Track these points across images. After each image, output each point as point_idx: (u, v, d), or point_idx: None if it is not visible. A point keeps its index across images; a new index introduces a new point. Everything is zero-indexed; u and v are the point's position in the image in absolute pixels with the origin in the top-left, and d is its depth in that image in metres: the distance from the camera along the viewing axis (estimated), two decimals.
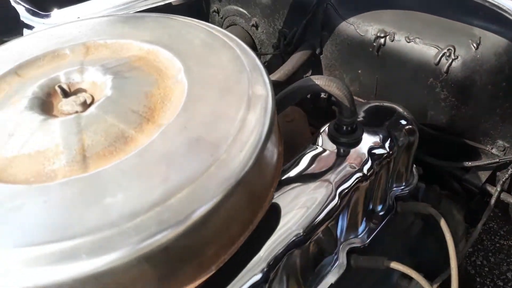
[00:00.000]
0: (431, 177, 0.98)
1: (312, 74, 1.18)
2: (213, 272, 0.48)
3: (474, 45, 0.90)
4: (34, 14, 1.01)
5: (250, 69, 0.58)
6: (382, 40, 1.00)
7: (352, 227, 0.81)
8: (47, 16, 1.02)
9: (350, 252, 0.77)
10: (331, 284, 0.72)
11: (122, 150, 0.49)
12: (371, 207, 0.85)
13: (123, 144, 0.50)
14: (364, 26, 1.03)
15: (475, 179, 1.02)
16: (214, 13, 1.38)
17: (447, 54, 0.92)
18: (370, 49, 1.02)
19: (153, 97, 0.55)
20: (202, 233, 0.45)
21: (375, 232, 0.86)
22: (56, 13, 1.02)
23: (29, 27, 1.01)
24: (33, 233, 0.42)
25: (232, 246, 0.50)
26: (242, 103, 0.53)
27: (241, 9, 1.27)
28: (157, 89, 0.57)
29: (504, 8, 0.77)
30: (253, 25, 1.26)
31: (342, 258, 0.75)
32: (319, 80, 0.70)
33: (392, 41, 0.99)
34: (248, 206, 0.50)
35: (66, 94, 0.56)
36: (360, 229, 0.85)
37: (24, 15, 1.01)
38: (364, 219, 0.85)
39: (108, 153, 0.49)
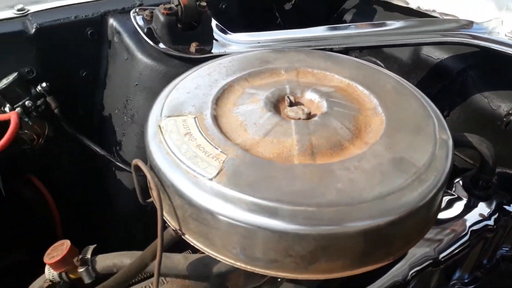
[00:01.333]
0: None
1: None
2: (390, 262, 0.63)
3: None
4: (221, 30, 1.24)
5: (435, 116, 0.73)
6: None
7: (463, 271, 0.92)
8: (229, 34, 1.24)
9: None
10: None
11: (339, 154, 0.66)
12: (481, 258, 0.96)
13: (339, 150, 0.67)
14: (498, 102, 1.16)
15: None
16: None
17: None
18: (499, 123, 1.15)
19: (358, 120, 0.72)
20: (400, 228, 0.59)
21: (479, 282, 0.96)
22: (237, 35, 1.24)
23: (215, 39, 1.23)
24: (286, 195, 0.58)
25: (406, 247, 0.64)
26: (431, 142, 0.68)
27: (379, 62, 1.44)
28: (360, 115, 0.73)
29: None
30: None
31: None
32: (472, 138, 0.84)
33: None
34: (427, 218, 0.65)
35: (291, 104, 0.75)
36: (467, 275, 0.96)
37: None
38: (473, 267, 0.96)
39: (329, 154, 0.66)
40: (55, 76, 1.16)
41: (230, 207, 0.58)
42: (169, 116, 0.72)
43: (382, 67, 1.44)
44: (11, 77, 1.10)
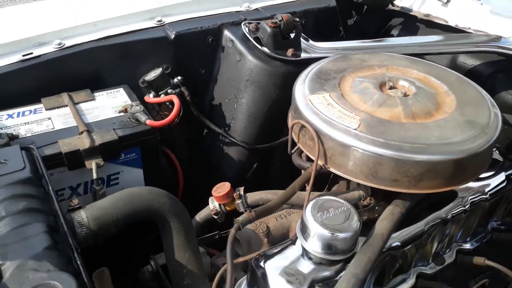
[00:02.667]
0: None
1: None
2: (463, 185, 0.98)
3: None
4: (305, 39, 1.61)
5: (487, 98, 1.10)
6: None
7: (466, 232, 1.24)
8: (311, 42, 1.60)
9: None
10: None
11: (430, 118, 1.02)
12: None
13: (429, 115, 1.03)
14: None
15: None
16: None
17: None
18: None
19: (437, 99, 1.09)
20: (473, 161, 0.95)
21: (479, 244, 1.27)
22: (317, 43, 1.60)
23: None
24: (405, 138, 0.94)
25: (474, 176, 1.00)
26: (488, 112, 1.04)
27: None
28: (438, 96, 1.10)
29: None
30: None
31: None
32: (507, 116, 1.20)
33: None
34: (487, 158, 1.01)
35: (390, 87, 1.12)
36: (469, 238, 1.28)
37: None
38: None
39: (424, 117, 1.02)
40: (183, 72, 1.53)
41: (370, 145, 0.94)
42: (313, 94, 1.09)
43: None
44: (158, 71, 1.47)
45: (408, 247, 1.02)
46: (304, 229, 0.89)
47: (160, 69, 1.47)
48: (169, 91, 1.47)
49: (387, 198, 1.04)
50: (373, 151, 0.94)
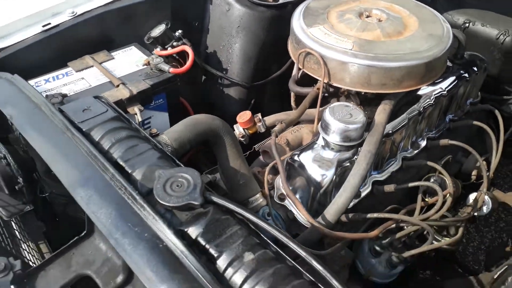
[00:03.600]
0: None
1: None
2: (431, 82, 1.33)
3: None
4: None
5: (440, 17, 1.43)
6: (467, 25, 1.87)
7: (431, 124, 1.63)
8: None
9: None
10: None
11: (402, 35, 1.34)
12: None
13: (401, 34, 1.35)
14: (456, 16, 1.90)
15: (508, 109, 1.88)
16: None
17: (503, 33, 1.79)
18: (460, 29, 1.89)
19: (403, 21, 1.41)
20: (437, 63, 1.29)
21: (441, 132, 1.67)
22: None
23: None
24: (388, 51, 1.26)
25: (438, 75, 1.34)
26: (443, 27, 1.38)
27: None
28: (403, 19, 1.42)
29: None
30: None
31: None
32: (456, 32, 1.55)
33: (474, 25, 1.86)
34: (445, 60, 1.35)
35: (367, 16, 1.42)
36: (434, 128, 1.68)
37: None
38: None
39: (397, 35, 1.34)
40: (180, 26, 1.74)
41: (363, 60, 1.25)
42: (310, 27, 1.37)
43: None
44: (162, 27, 1.66)
45: (397, 132, 1.35)
46: (326, 127, 1.20)
47: (163, 25, 1.67)
48: (174, 43, 1.68)
49: (373, 102, 1.37)
50: (366, 64, 1.25)
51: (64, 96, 1.34)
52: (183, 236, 0.82)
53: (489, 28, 1.83)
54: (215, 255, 0.79)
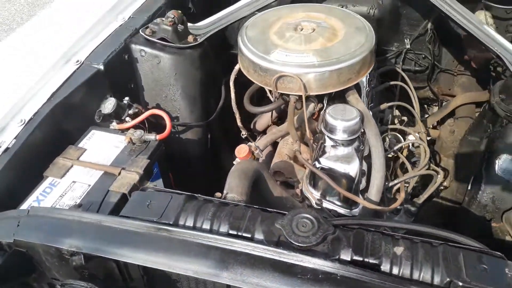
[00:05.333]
0: None
1: None
2: (363, 77, 1.63)
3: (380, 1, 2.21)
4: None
5: (347, 11, 1.73)
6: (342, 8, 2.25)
7: None
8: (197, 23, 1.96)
9: None
10: None
11: (333, 41, 1.60)
12: None
13: (336, 36, 1.61)
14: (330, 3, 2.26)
15: None
16: None
17: (371, 7, 2.21)
18: None
19: (329, 24, 1.67)
20: (366, 60, 1.59)
21: None
22: (202, 22, 1.97)
23: None
24: (327, 56, 1.51)
25: (369, 69, 1.65)
26: (359, 19, 1.69)
27: None
28: (327, 22, 1.68)
29: None
30: None
31: None
32: None
33: (347, 8, 2.25)
34: (373, 57, 1.65)
35: (301, 29, 1.64)
36: None
37: None
38: None
39: (330, 40, 1.60)
40: (121, 94, 1.71)
41: (332, 65, 1.47)
42: (269, 54, 1.53)
43: None
44: (112, 101, 1.62)
45: None
46: (332, 129, 1.39)
47: (111, 98, 1.63)
48: (130, 111, 1.65)
49: (337, 97, 1.62)
50: (335, 68, 1.48)
51: (79, 206, 1.25)
52: (341, 261, 0.95)
53: (359, 7, 2.23)
54: (376, 262, 0.95)
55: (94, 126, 1.58)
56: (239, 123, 2.07)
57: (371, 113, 1.50)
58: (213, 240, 0.96)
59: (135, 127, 1.61)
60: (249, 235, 1.00)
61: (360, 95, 1.64)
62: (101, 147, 1.50)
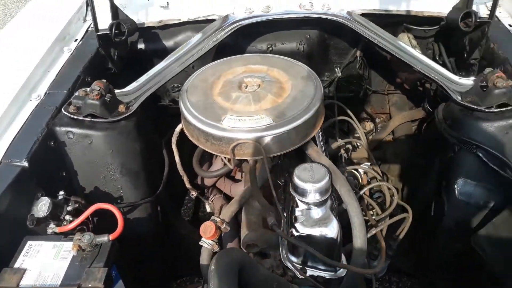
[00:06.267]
0: None
1: None
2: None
3: None
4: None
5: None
6: (270, 48, 2.20)
7: None
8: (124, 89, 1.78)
9: None
10: None
11: (282, 95, 1.52)
12: None
13: (283, 90, 1.54)
14: (259, 45, 2.20)
15: None
16: None
17: (300, 43, 2.18)
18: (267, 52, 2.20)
19: (279, 85, 1.58)
20: (314, 118, 1.53)
21: None
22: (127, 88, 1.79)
23: None
24: (275, 113, 1.44)
25: (316, 129, 1.59)
26: (300, 66, 1.63)
27: None
28: (270, 75, 1.61)
29: None
30: None
31: None
32: None
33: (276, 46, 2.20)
34: (321, 114, 1.59)
35: (245, 86, 1.55)
36: None
37: None
38: None
39: (282, 93, 1.52)
40: (52, 186, 1.49)
41: (289, 124, 1.39)
42: (220, 121, 1.41)
43: None
44: (45, 201, 1.39)
45: None
46: (303, 192, 1.30)
47: (45, 198, 1.39)
48: (69, 208, 1.43)
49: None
50: (292, 126, 1.40)
51: None
52: None
53: (289, 44, 2.20)
54: None
55: (29, 236, 1.34)
56: (188, 185, 1.93)
57: (336, 167, 1.43)
58: None
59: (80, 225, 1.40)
60: None
61: (317, 145, 1.58)
62: (44, 262, 1.26)
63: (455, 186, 1.65)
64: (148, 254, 1.80)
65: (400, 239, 1.55)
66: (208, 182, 2.00)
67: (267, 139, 1.39)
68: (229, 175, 1.95)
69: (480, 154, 1.56)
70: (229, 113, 1.44)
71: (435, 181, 1.80)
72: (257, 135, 1.38)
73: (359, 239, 1.29)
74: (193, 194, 2.00)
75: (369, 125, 2.64)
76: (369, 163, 1.86)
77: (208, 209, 1.99)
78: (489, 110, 1.56)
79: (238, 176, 1.96)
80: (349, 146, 2.07)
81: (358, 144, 2.06)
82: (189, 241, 2.03)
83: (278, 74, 1.61)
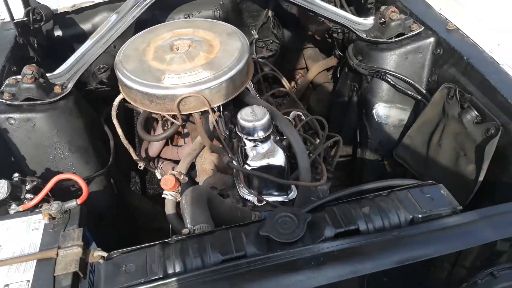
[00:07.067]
0: None
1: None
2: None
3: None
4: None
5: (237, 32, 1.78)
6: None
7: None
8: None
9: None
10: None
11: (213, 52, 1.66)
12: None
13: (212, 46, 1.67)
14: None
15: None
16: None
17: (215, 10, 2.32)
18: None
19: (208, 43, 1.71)
20: (244, 70, 1.68)
21: None
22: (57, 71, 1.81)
23: None
24: (211, 68, 1.58)
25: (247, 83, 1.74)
26: (236, 37, 1.76)
27: None
28: (196, 35, 1.73)
29: None
30: None
31: None
32: None
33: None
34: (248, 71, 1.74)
35: (177, 48, 1.66)
36: None
37: None
38: None
39: (211, 49, 1.66)
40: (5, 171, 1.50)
41: (226, 74, 1.54)
42: (161, 81, 1.51)
43: None
44: (2, 184, 1.40)
45: None
46: (250, 131, 1.47)
47: (2, 180, 1.41)
48: (28, 187, 1.46)
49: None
50: (230, 75, 1.55)
51: None
52: (329, 239, 1.05)
53: (205, 12, 2.32)
54: (355, 227, 1.08)
55: None
56: (134, 157, 2.00)
57: (272, 106, 1.61)
58: (214, 273, 0.97)
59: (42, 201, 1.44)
60: (242, 253, 1.03)
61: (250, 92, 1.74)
62: (17, 236, 1.30)
63: (373, 112, 1.91)
64: (108, 226, 1.86)
65: (336, 160, 1.78)
66: (153, 152, 2.09)
67: (207, 91, 1.53)
68: (171, 143, 2.06)
69: (389, 79, 1.83)
70: (167, 73, 1.55)
71: (356, 112, 2.05)
72: (198, 88, 1.51)
73: (302, 161, 1.48)
74: (141, 165, 2.08)
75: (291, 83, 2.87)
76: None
77: (159, 176, 2.08)
78: (390, 41, 1.83)
79: (181, 142, 2.07)
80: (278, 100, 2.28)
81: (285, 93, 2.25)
82: (142, 210, 2.12)
83: (204, 34, 1.74)
